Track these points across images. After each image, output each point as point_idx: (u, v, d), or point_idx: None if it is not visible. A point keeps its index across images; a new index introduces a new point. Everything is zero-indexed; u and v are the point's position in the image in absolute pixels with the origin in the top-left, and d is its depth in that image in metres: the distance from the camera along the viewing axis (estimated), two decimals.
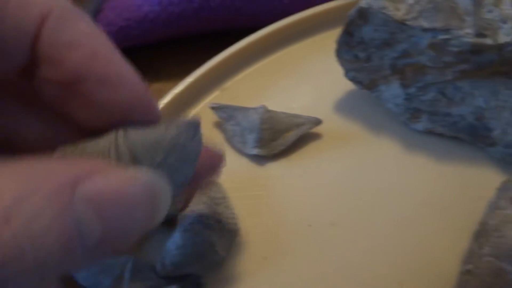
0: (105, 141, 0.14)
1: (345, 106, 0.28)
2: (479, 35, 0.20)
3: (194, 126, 0.15)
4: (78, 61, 0.14)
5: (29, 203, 0.10)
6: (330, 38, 0.31)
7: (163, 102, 0.28)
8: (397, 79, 0.25)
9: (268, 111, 0.26)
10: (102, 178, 0.12)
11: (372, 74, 0.25)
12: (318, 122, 0.27)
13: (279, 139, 0.26)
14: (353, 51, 0.24)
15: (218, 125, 0.28)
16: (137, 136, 0.14)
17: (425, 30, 0.21)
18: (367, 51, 0.24)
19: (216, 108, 0.27)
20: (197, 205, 0.24)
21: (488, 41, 0.20)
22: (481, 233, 0.21)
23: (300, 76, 0.30)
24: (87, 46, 0.14)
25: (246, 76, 0.30)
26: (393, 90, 0.26)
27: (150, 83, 0.33)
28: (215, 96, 0.30)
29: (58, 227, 0.10)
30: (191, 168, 0.15)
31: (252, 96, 0.29)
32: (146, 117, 0.15)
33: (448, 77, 0.23)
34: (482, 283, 0.19)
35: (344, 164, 0.26)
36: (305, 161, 0.27)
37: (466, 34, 0.20)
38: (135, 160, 0.14)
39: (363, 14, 0.22)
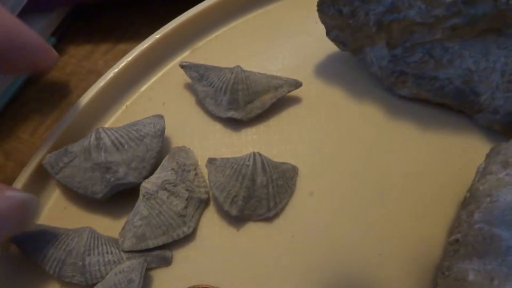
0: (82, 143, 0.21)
1: (325, 69, 0.27)
2: None
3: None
4: None
5: None
6: None
7: (127, 60, 0.25)
8: (383, 39, 0.23)
9: (244, 70, 0.24)
10: None
11: (356, 33, 0.24)
12: (298, 84, 0.24)
13: (256, 101, 0.24)
14: (337, 5, 0.22)
15: (189, 86, 0.26)
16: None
17: None
18: (351, 5, 0.22)
19: (186, 67, 0.25)
20: (164, 172, 0.22)
21: None
22: (471, 200, 0.19)
23: (277, 37, 0.28)
24: None
25: (219, 36, 0.28)
26: (377, 52, 0.24)
27: (115, 43, 0.30)
28: (185, 56, 0.27)
29: None
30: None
31: (226, 57, 0.27)
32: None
33: (437, 36, 0.22)
34: (473, 251, 0.17)
35: (325, 131, 0.25)
36: (283, 127, 0.25)
37: None
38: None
39: None
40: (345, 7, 0.22)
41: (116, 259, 0.20)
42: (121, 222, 0.22)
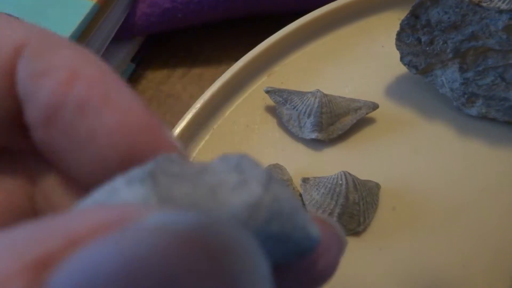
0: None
1: (396, 91, 0.28)
2: None
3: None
4: (53, 87, 0.10)
5: None
6: (374, 22, 0.31)
7: (212, 90, 0.27)
8: (456, 64, 0.25)
9: (326, 95, 0.26)
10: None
11: (431, 59, 0.25)
12: (375, 106, 0.26)
13: (337, 123, 0.26)
14: (416, 34, 0.24)
15: (271, 110, 0.28)
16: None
17: (501, 11, 0.21)
18: (431, 34, 0.24)
19: (271, 92, 0.27)
20: None
21: None
22: None
23: (347, 60, 0.30)
24: (66, 69, 0.10)
25: (292, 60, 0.30)
26: (449, 75, 0.26)
27: (189, 67, 0.32)
28: (263, 81, 0.29)
29: None
30: None
31: (300, 81, 0.29)
32: (152, 148, 0.11)
33: (511, 61, 0.23)
34: None
35: (400, 149, 0.26)
36: (362, 146, 0.26)
37: None
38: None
39: None
40: (424, 36, 0.24)
41: None
42: None
